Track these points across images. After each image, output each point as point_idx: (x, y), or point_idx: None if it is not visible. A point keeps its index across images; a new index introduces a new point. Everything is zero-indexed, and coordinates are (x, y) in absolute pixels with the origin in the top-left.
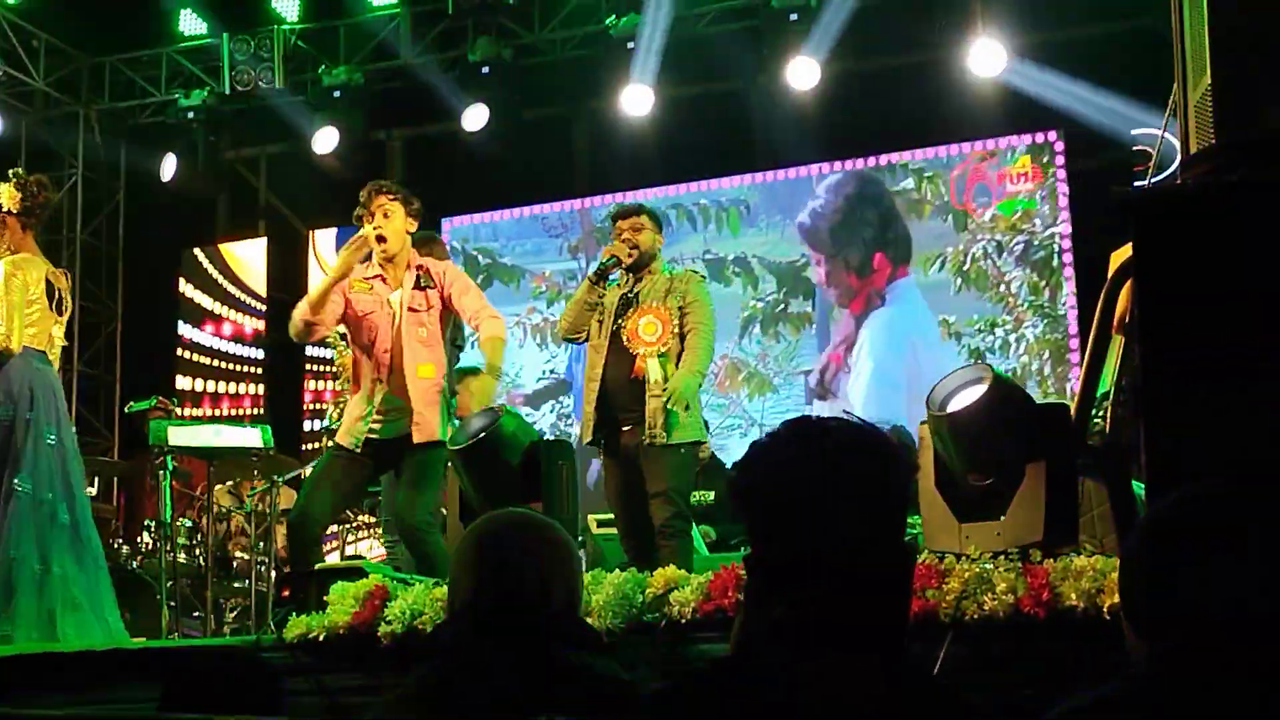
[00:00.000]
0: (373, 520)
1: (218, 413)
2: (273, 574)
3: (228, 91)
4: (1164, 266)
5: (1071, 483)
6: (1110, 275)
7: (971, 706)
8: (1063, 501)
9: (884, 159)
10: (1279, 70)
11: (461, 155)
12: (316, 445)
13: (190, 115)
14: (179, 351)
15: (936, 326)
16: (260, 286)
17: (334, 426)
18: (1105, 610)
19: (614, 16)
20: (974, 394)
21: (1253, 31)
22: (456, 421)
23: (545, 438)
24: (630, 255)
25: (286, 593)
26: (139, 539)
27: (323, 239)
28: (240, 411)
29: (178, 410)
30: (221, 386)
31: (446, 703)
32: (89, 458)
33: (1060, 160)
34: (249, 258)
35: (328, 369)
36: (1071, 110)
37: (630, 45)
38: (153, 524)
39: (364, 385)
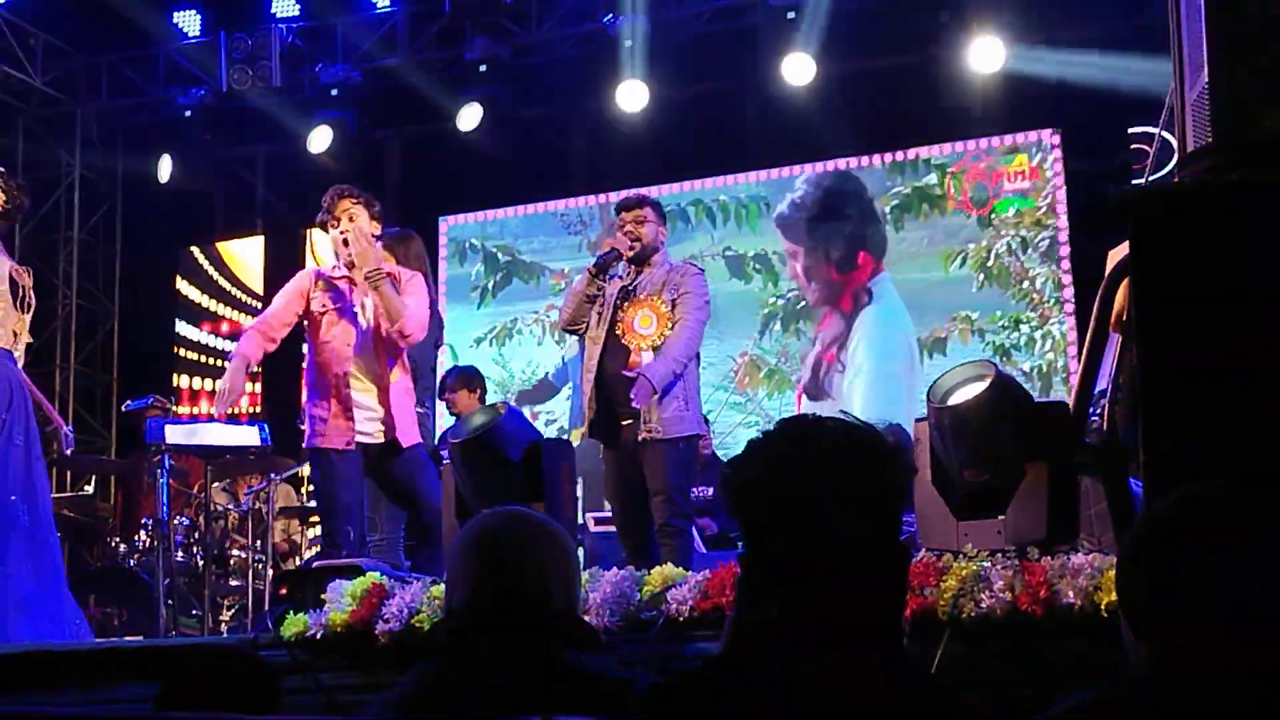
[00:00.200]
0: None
1: (215, 411)
2: (270, 572)
3: (225, 90)
4: (1161, 265)
5: (1072, 481)
6: (1107, 274)
7: (969, 706)
8: (1064, 500)
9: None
10: (1277, 69)
11: (459, 154)
12: None
13: (187, 114)
14: (176, 350)
15: (910, 323)
16: (258, 285)
17: None
18: (1103, 608)
19: (611, 15)
20: (975, 389)
21: (1250, 30)
22: (453, 418)
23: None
24: (631, 248)
25: (284, 591)
26: (136, 538)
27: (320, 238)
28: (237, 410)
29: (175, 409)
30: (218, 384)
31: (444, 701)
32: (86, 456)
33: (1057, 158)
34: (246, 256)
35: None
36: (1078, 80)
37: (628, 44)
38: (150, 522)
39: (330, 385)
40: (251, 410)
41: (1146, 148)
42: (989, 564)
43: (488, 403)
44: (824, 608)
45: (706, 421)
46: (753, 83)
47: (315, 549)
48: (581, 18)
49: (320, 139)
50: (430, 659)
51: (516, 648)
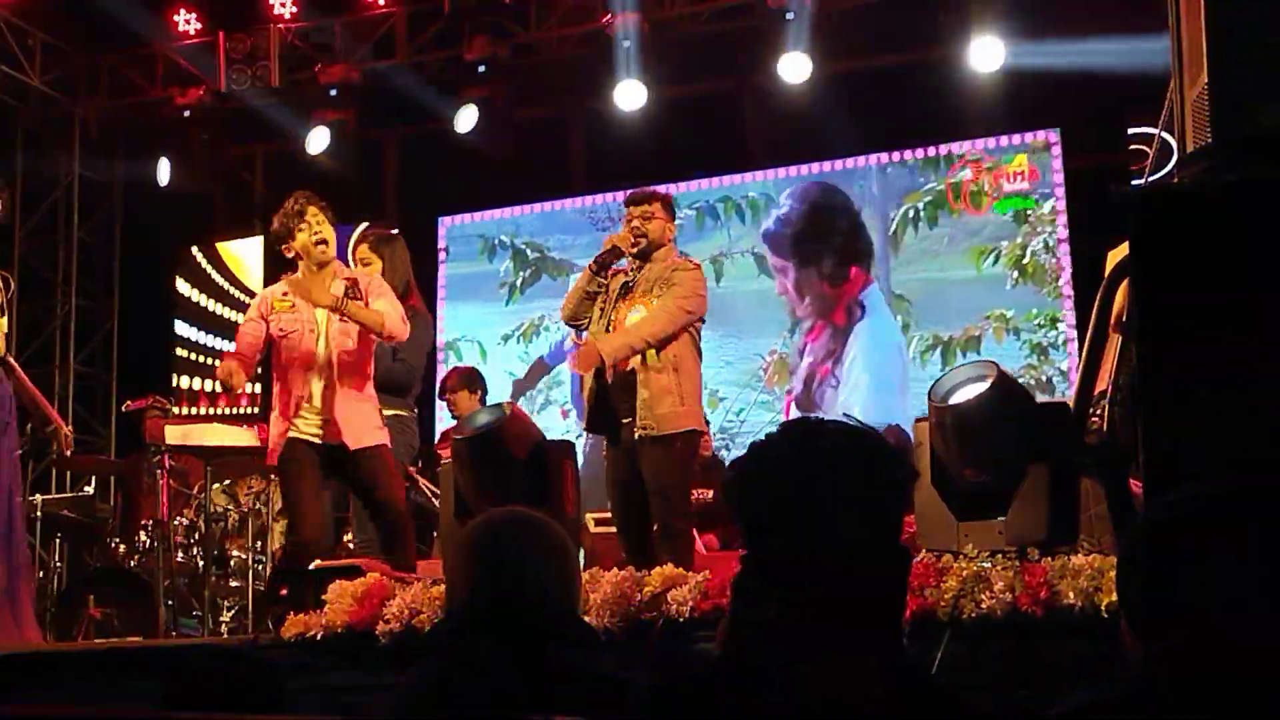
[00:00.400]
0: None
1: (214, 411)
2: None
3: (224, 90)
4: (1161, 265)
5: (1072, 482)
6: (1107, 274)
7: (969, 706)
8: (1064, 501)
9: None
10: (1276, 69)
11: (457, 154)
12: None
13: (186, 114)
14: (176, 350)
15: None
16: (257, 285)
17: None
18: (1103, 609)
19: (609, 15)
20: (977, 389)
21: (1249, 30)
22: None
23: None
24: (635, 244)
25: (284, 591)
26: (136, 538)
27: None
28: (237, 410)
29: (174, 409)
30: (218, 385)
31: (444, 701)
32: (86, 457)
33: (1057, 159)
34: (245, 256)
35: None
36: (1080, 68)
37: (627, 44)
38: (150, 523)
39: (290, 401)
40: (251, 410)
41: (1146, 148)
42: (989, 565)
43: (488, 404)
44: (823, 609)
45: (707, 422)
46: (752, 82)
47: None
48: (581, 17)
49: (319, 139)
50: (430, 659)
51: (515, 648)
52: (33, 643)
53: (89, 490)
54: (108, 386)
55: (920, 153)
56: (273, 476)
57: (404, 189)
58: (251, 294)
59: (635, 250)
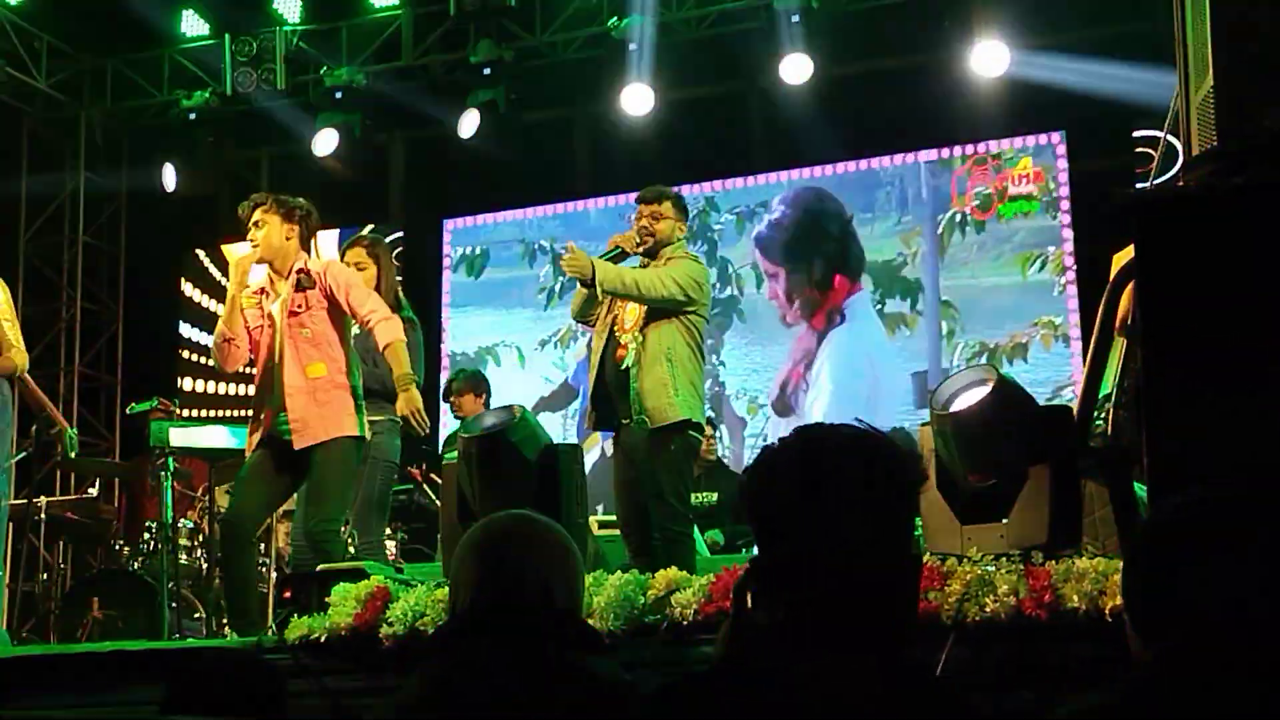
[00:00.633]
0: None
1: (219, 414)
2: (274, 575)
3: (229, 93)
4: (1166, 269)
5: (1075, 485)
6: (1112, 277)
7: (972, 708)
8: (1067, 504)
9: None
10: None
11: (463, 156)
12: None
13: (192, 117)
14: (181, 352)
15: (888, 341)
16: None
17: None
18: (1107, 613)
19: (616, 19)
20: (978, 394)
21: (1255, 34)
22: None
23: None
24: (642, 243)
25: (288, 594)
26: (140, 540)
27: (324, 240)
28: (242, 413)
29: (179, 411)
30: (223, 388)
31: (448, 704)
32: (90, 459)
33: (1062, 162)
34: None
35: None
36: (1080, 89)
37: (632, 47)
38: (154, 525)
39: (262, 404)
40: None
41: (1151, 151)
42: (993, 568)
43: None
44: (827, 610)
45: (712, 424)
46: (757, 85)
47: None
48: (586, 20)
49: (324, 142)
50: (434, 661)
51: (517, 648)
52: None
53: (93, 492)
54: (112, 389)
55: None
56: None
57: (409, 191)
58: None
59: (642, 249)
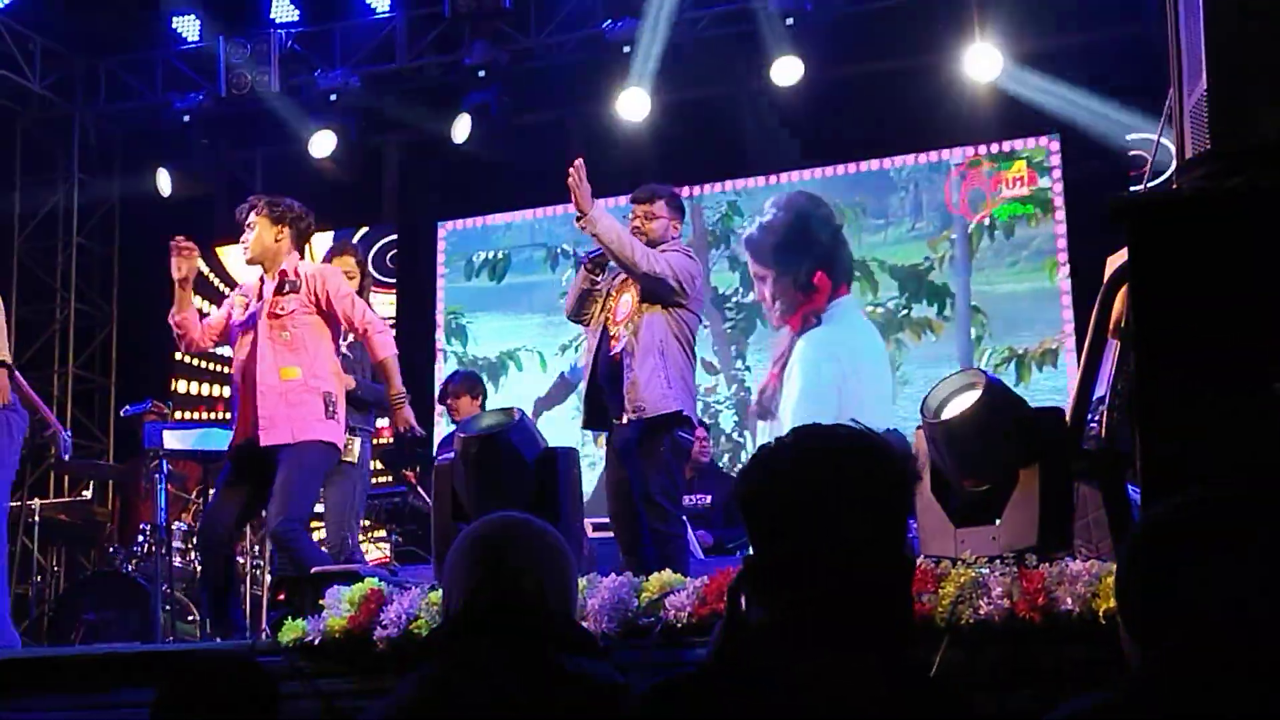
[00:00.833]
0: (366, 524)
1: (213, 416)
2: (267, 578)
3: (224, 94)
4: (1159, 272)
5: (1066, 487)
6: (1106, 280)
7: (970, 707)
8: (1057, 505)
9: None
10: (1275, 75)
11: (457, 159)
12: None
13: (186, 118)
14: (174, 355)
15: (878, 341)
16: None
17: None
18: (1101, 615)
19: (610, 21)
20: (968, 400)
21: (1249, 36)
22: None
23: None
24: None
25: (282, 596)
26: (134, 543)
27: (319, 242)
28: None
29: (173, 414)
30: (217, 390)
31: (447, 705)
32: (84, 461)
33: (1056, 165)
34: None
35: None
36: (1067, 116)
37: (626, 50)
38: (148, 528)
39: (235, 395)
40: None
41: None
42: (987, 570)
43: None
44: (825, 609)
45: (705, 425)
46: (752, 88)
47: None
48: (581, 23)
49: (319, 144)
50: (428, 664)
51: (514, 649)
52: None
53: (87, 495)
54: (106, 391)
55: (920, 158)
56: None
57: (403, 194)
58: None
59: None
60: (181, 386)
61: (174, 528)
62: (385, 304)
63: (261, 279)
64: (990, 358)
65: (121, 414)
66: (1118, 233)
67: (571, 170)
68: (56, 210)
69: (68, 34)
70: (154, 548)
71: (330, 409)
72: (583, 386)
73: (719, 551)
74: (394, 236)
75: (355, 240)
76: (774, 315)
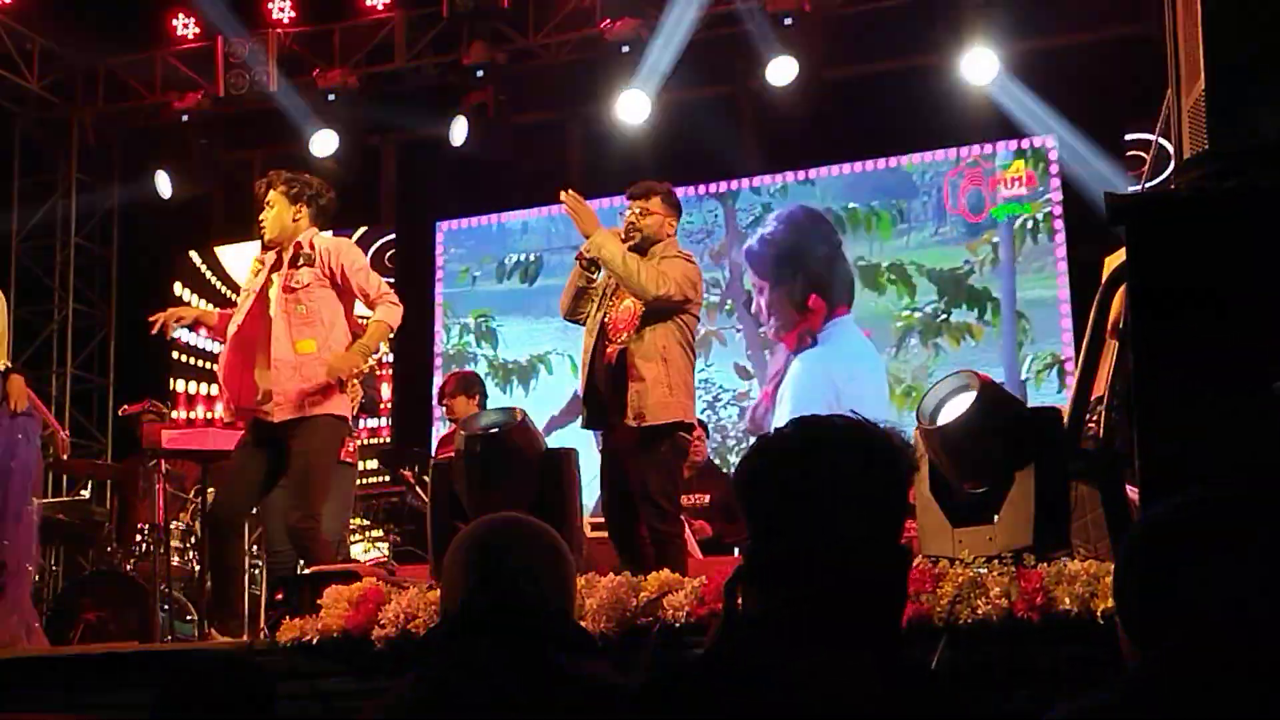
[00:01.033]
0: (365, 523)
1: (211, 416)
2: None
3: (222, 94)
4: (1157, 272)
5: (1062, 487)
6: (1104, 280)
7: (966, 704)
8: (1053, 505)
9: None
10: (1273, 76)
11: (455, 158)
12: None
13: (185, 118)
14: (173, 354)
15: (876, 362)
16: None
17: None
18: (1099, 614)
19: (609, 21)
20: (963, 402)
21: (1246, 37)
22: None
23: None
24: (629, 239)
25: (280, 595)
26: (132, 542)
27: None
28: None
29: (171, 413)
30: (215, 389)
31: (447, 704)
32: (82, 461)
33: (1054, 165)
34: (244, 261)
35: None
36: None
37: (625, 50)
38: (146, 527)
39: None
40: None
41: (1143, 154)
42: (985, 570)
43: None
44: (821, 605)
45: (704, 425)
46: (749, 89)
47: None
48: (580, 23)
49: (318, 144)
50: (427, 663)
51: (512, 649)
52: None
53: (85, 494)
54: (104, 391)
55: (917, 158)
56: None
57: (401, 193)
58: None
59: (629, 245)
60: (179, 386)
61: (172, 527)
62: None
63: (279, 255)
64: (1031, 364)
65: (119, 413)
66: (1116, 233)
67: (565, 198)
68: (55, 210)
69: (66, 34)
70: (152, 547)
71: (342, 383)
72: (580, 387)
73: (718, 545)
74: (392, 236)
75: (354, 240)
76: (769, 329)
